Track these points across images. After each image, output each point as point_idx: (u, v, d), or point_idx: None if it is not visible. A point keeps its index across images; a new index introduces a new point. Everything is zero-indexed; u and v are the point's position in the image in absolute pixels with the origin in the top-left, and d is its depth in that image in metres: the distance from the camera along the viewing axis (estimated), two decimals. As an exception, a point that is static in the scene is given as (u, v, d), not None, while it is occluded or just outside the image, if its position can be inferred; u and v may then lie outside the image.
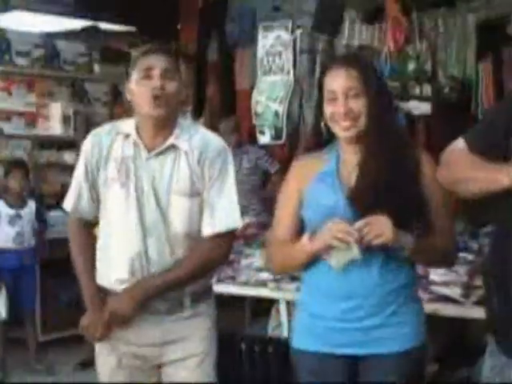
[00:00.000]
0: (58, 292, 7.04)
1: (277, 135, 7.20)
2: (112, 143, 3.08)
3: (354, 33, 6.62)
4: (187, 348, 3.08)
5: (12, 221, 6.35)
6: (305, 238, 2.73)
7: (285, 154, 7.36)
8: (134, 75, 3.01)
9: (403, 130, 2.86)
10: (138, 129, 3.05)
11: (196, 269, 3.01)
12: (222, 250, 3.10)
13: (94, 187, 3.10)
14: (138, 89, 2.99)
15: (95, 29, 8.81)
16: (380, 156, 2.69)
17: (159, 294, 2.99)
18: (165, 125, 3.02)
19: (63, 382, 6.12)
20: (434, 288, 4.34)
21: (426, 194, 2.73)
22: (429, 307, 4.28)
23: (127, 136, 3.06)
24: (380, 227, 2.60)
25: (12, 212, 6.37)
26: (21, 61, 7.60)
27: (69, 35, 8.46)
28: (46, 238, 6.69)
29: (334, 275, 2.69)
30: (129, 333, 3.06)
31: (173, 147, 3.01)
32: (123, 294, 2.99)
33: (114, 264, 3.05)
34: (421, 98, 6.09)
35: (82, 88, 8.20)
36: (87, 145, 3.12)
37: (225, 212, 3.02)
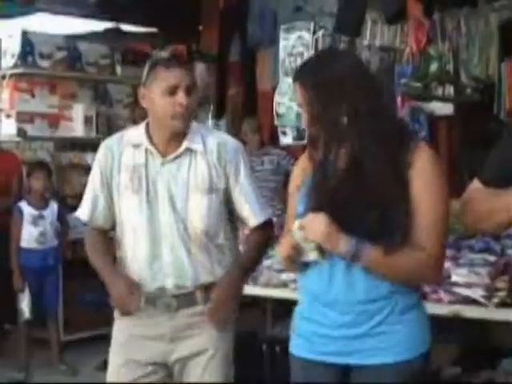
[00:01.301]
0: (80, 292, 7.08)
1: (299, 136, 7.18)
2: (122, 152, 3.12)
3: (376, 33, 6.60)
4: (198, 344, 3.11)
5: (35, 221, 6.39)
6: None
7: (307, 155, 7.35)
8: (156, 86, 3.01)
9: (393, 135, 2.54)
10: (149, 135, 3.09)
11: (260, 251, 3.26)
12: (270, 237, 3.26)
13: (109, 196, 3.14)
14: (162, 103, 3.00)
15: (117, 30, 8.87)
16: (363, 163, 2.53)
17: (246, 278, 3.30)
18: (181, 133, 3.07)
19: (86, 382, 6.15)
20: (456, 289, 4.31)
21: (413, 202, 2.48)
22: (450, 309, 4.28)
23: (138, 145, 3.09)
24: (312, 227, 2.48)
25: (35, 213, 6.42)
26: (44, 63, 7.63)
27: (91, 37, 8.51)
28: (68, 239, 6.73)
29: (323, 280, 2.59)
30: (141, 327, 3.11)
31: (188, 150, 3.07)
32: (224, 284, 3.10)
33: (130, 271, 3.12)
34: (443, 99, 6.07)
35: (104, 90, 8.23)
36: (100, 155, 3.17)
37: (262, 205, 3.20)
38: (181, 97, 2.98)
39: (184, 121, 3.02)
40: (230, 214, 3.20)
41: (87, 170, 7.63)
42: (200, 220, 3.06)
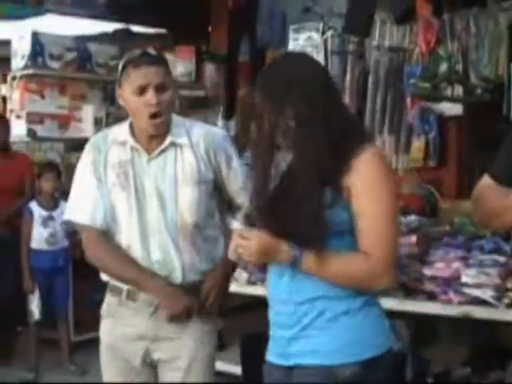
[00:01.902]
0: (90, 293, 7.07)
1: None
2: (108, 150, 3.13)
3: (385, 34, 6.59)
4: (178, 347, 3.11)
5: (45, 222, 6.41)
6: None
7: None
8: (127, 86, 3.02)
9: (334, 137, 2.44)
10: (133, 134, 3.10)
11: None
12: None
13: (104, 194, 3.13)
14: (133, 103, 3.02)
15: (127, 31, 8.89)
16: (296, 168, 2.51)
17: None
18: (160, 130, 3.07)
19: (95, 382, 6.16)
20: (466, 290, 4.32)
21: (354, 208, 2.44)
22: (460, 310, 4.28)
23: (123, 143, 3.11)
24: (246, 250, 2.47)
25: (45, 213, 6.43)
26: (54, 64, 7.65)
27: (101, 38, 8.52)
28: (78, 240, 6.74)
29: (274, 280, 2.59)
30: (124, 327, 3.13)
31: (173, 144, 3.08)
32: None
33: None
34: (452, 99, 6.06)
35: (113, 91, 8.22)
36: (88, 155, 3.18)
37: None
38: (150, 95, 2.97)
39: (159, 120, 3.02)
40: (219, 205, 3.22)
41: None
42: (190, 212, 3.06)
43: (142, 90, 2.98)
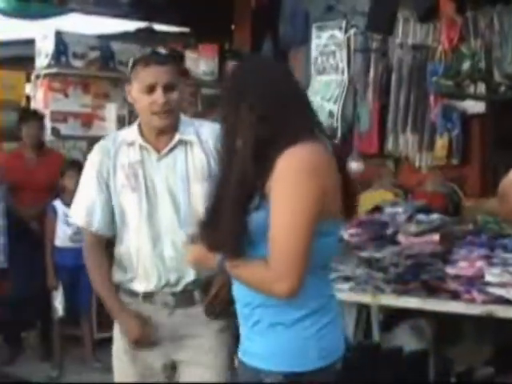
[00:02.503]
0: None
1: (331, 135, 7.18)
2: (117, 151, 3.13)
3: (408, 32, 6.58)
4: (198, 345, 3.12)
5: (68, 220, 6.45)
6: None
7: (339, 154, 7.34)
8: (136, 84, 3.06)
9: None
10: (142, 133, 3.12)
11: None
12: None
13: (108, 199, 3.13)
14: (141, 101, 3.05)
15: (150, 30, 8.92)
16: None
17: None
18: (170, 128, 3.10)
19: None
20: (490, 289, 4.30)
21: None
22: (484, 309, 4.26)
23: (132, 143, 3.12)
24: (188, 257, 2.60)
25: (68, 211, 6.45)
26: (77, 63, 7.69)
27: (124, 37, 8.56)
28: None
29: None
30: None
31: (181, 142, 3.09)
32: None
33: (134, 268, 3.14)
34: (475, 97, 6.03)
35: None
36: (95, 157, 3.17)
37: None
38: (158, 94, 3.00)
39: (165, 117, 3.04)
40: None
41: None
42: (201, 209, 3.00)
43: (150, 89, 3.01)
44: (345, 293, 4.88)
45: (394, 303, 4.76)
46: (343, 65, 7.09)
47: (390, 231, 5.06)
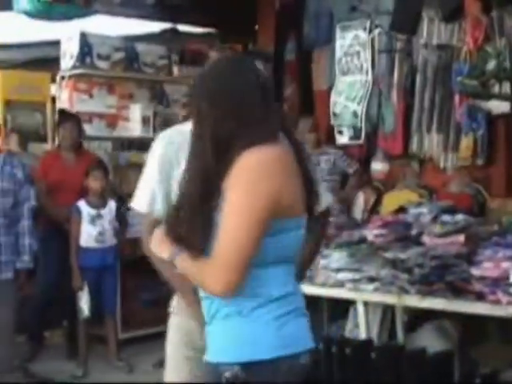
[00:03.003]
0: (138, 290, 7.16)
1: (355, 135, 7.17)
2: (182, 143, 3.04)
3: (433, 32, 6.56)
4: None
5: (93, 220, 6.48)
6: None
7: (363, 155, 7.33)
8: None
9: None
10: None
11: (322, 242, 3.36)
12: (327, 226, 3.40)
13: (168, 188, 3.11)
14: None
15: (174, 31, 8.95)
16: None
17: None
18: None
19: (142, 379, 6.21)
20: (515, 290, 4.28)
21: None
22: (509, 310, 4.24)
23: None
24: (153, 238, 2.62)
25: (93, 212, 6.50)
26: (102, 64, 7.72)
27: (148, 38, 8.59)
28: (126, 238, 6.80)
29: None
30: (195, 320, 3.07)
31: None
32: None
33: None
34: (500, 97, 6.00)
35: (161, 90, 8.30)
36: (159, 146, 3.15)
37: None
38: None
39: None
40: None
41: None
42: None
43: None
44: (369, 293, 4.88)
45: (418, 304, 4.75)
46: (367, 65, 7.08)
47: (414, 232, 5.05)
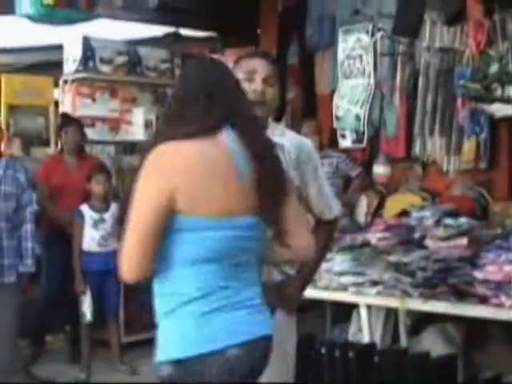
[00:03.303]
0: (140, 294, 7.15)
1: (358, 139, 7.16)
2: None
3: (435, 35, 6.55)
4: (280, 344, 3.07)
5: (96, 224, 6.48)
6: None
7: (366, 158, 7.33)
8: (238, 73, 3.11)
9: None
10: None
11: (327, 249, 3.42)
12: (335, 233, 3.47)
13: None
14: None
15: (177, 35, 8.95)
16: None
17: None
18: (263, 116, 3.15)
19: (145, 381, 6.21)
20: (518, 294, 4.27)
21: None
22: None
23: None
24: None
25: (96, 216, 6.50)
26: (104, 68, 7.73)
27: (151, 42, 8.60)
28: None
29: None
30: None
31: None
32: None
33: None
34: (503, 100, 5.99)
35: (163, 94, 8.31)
36: None
37: (335, 200, 3.36)
38: (258, 84, 3.11)
39: (261, 110, 3.09)
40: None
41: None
42: None
43: (251, 78, 3.13)
44: (372, 297, 4.88)
45: (421, 307, 4.75)
46: (369, 68, 7.07)
47: (417, 235, 5.05)
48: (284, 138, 3.19)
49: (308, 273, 3.30)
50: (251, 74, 3.13)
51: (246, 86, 3.05)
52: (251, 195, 2.54)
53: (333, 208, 3.32)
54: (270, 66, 3.19)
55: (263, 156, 2.59)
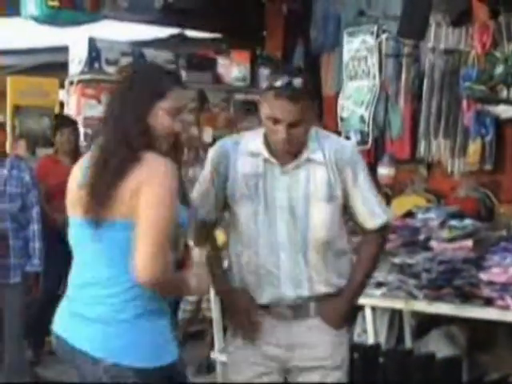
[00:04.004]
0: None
1: (363, 140, 7.17)
2: (237, 159, 3.06)
3: (441, 36, 6.55)
4: (314, 356, 3.07)
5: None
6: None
7: (371, 159, 7.32)
8: (263, 108, 2.97)
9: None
10: (267, 144, 3.02)
11: (375, 260, 3.19)
12: (385, 241, 3.29)
13: (219, 195, 3.08)
14: (266, 124, 2.97)
15: (182, 36, 8.95)
16: None
17: (362, 291, 3.22)
18: (293, 153, 3.01)
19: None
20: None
21: None
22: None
23: (256, 154, 3.03)
24: None
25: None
26: (110, 69, 7.74)
27: (156, 43, 8.60)
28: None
29: None
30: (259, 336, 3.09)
31: (308, 160, 3.01)
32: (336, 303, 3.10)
33: (246, 279, 3.08)
34: (509, 102, 5.99)
35: (168, 95, 8.30)
36: (214, 155, 3.11)
37: (381, 207, 3.12)
38: (281, 130, 2.91)
39: (287, 149, 2.96)
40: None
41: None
42: (322, 229, 3.01)
43: (274, 121, 2.92)
44: (377, 298, 4.87)
45: (426, 309, 4.74)
46: (374, 70, 7.08)
47: (422, 237, 5.03)
48: (325, 146, 3.03)
49: (356, 285, 3.16)
50: (275, 122, 2.92)
51: (271, 128, 2.94)
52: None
53: (377, 215, 3.09)
54: (297, 106, 2.91)
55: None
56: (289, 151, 2.98)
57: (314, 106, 3.11)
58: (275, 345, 3.07)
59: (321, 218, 3.00)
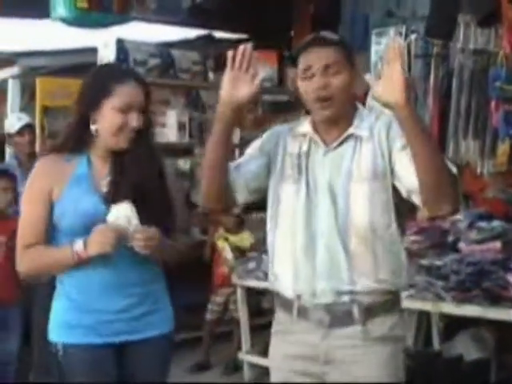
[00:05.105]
0: (172, 296, 7.17)
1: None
2: (288, 140, 2.97)
3: (469, 37, 6.51)
4: (356, 373, 2.79)
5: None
6: (79, 244, 3.03)
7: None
8: (298, 70, 2.87)
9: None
10: (313, 124, 2.92)
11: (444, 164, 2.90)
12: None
13: (261, 168, 2.97)
14: (301, 88, 2.86)
15: (209, 37, 8.97)
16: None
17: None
18: (339, 119, 2.86)
19: (177, 382, 6.23)
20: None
21: None
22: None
23: (304, 134, 2.93)
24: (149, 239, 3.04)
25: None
26: (138, 70, 7.76)
27: (184, 44, 8.62)
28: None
29: (106, 271, 3.08)
30: (294, 346, 2.89)
31: (352, 136, 2.85)
32: None
33: (278, 262, 2.91)
34: (538, 102, 5.95)
35: (196, 96, 8.33)
36: (268, 133, 3.05)
37: None
38: (316, 80, 2.79)
39: (328, 107, 2.80)
40: (396, 206, 2.83)
41: (181, 175, 7.76)
42: (363, 211, 2.77)
43: (307, 75, 2.81)
44: (405, 300, 4.85)
45: (454, 311, 4.72)
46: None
47: (450, 238, 5.02)
48: (376, 123, 2.85)
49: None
50: (307, 71, 2.80)
51: (305, 85, 2.82)
52: None
53: None
54: (329, 51, 2.80)
55: None
56: (327, 113, 2.82)
57: (353, 60, 2.97)
58: (313, 359, 2.85)
59: (360, 196, 2.78)
